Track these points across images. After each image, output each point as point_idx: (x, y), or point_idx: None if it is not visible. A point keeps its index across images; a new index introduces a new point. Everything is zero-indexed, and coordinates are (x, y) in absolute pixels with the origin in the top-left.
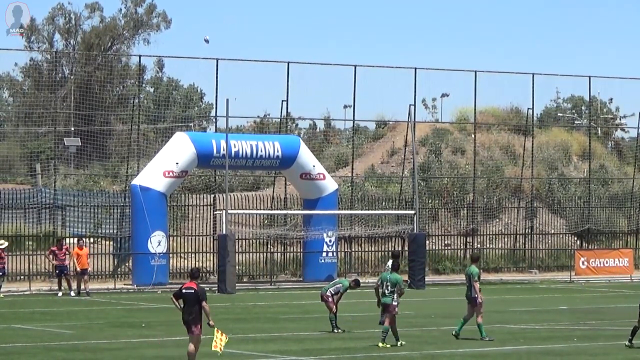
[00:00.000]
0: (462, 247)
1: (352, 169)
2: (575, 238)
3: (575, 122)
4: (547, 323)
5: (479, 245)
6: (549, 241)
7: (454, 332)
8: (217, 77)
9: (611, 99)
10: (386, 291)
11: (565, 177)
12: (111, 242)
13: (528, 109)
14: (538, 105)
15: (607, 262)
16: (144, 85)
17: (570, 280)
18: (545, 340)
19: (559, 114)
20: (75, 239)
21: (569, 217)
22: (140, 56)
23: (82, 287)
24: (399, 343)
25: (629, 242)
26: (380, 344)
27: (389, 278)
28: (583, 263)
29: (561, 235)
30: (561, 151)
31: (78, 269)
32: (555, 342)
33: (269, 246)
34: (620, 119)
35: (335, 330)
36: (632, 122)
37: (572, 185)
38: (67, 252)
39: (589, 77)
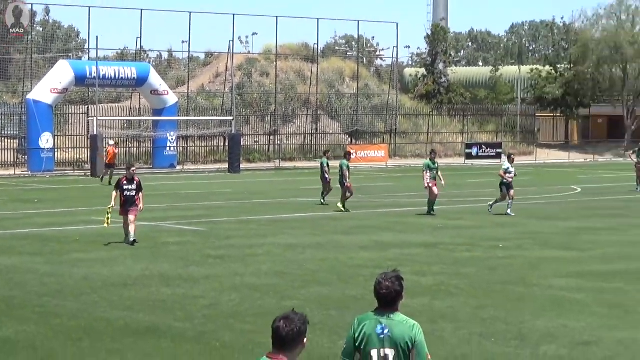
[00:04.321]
0: (267, 144)
1: (188, 87)
2: (348, 136)
3: (348, 53)
4: (330, 197)
5: (279, 142)
6: (329, 138)
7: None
8: (89, 20)
9: (373, 37)
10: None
11: (340, 93)
12: (15, 140)
13: (314, 44)
14: (321, 41)
15: (369, 154)
16: (35, 25)
17: None
18: (328, 209)
19: (336, 48)
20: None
21: (343, 121)
22: (32, 4)
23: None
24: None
25: (385, 139)
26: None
27: (340, 164)
28: (353, 154)
29: (337, 134)
30: (337, 74)
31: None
32: (333, 209)
33: (127, 143)
34: (379, 51)
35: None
36: (388, 53)
37: (345, 99)
38: None
39: (358, 21)
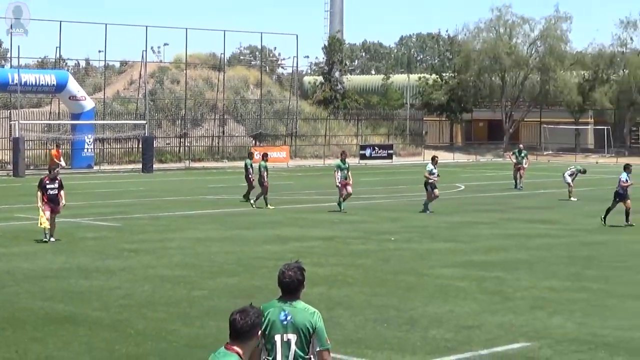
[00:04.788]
0: (177, 145)
1: (104, 93)
2: (252, 138)
3: (252, 62)
4: (237, 195)
5: (189, 144)
6: (235, 141)
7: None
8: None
9: (275, 47)
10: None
11: (245, 99)
12: None
13: (221, 54)
14: (228, 51)
15: (272, 155)
16: None
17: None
18: (234, 205)
19: (241, 57)
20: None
21: (247, 125)
22: None
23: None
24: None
25: (286, 141)
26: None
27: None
28: (256, 155)
29: (242, 137)
30: (242, 82)
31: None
32: (240, 206)
33: (47, 145)
34: (281, 61)
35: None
36: (289, 62)
37: (250, 104)
38: None
39: (261, 33)
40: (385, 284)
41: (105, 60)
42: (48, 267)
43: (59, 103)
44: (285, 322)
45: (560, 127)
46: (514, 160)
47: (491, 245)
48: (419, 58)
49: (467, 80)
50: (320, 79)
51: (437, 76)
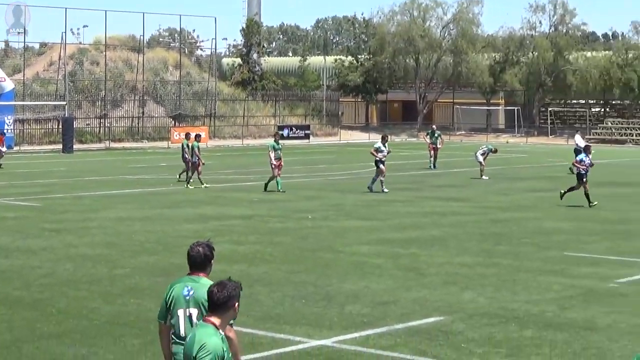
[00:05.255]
0: (97, 126)
1: (24, 74)
2: (171, 119)
3: (171, 44)
4: (157, 174)
5: (109, 125)
6: (154, 122)
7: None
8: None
9: (194, 30)
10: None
11: (164, 80)
12: None
13: (140, 35)
14: (147, 33)
15: (192, 135)
16: None
17: (168, 146)
18: (155, 185)
19: (160, 39)
20: None
21: (167, 106)
22: None
23: None
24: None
25: (205, 122)
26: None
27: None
28: (176, 135)
29: (162, 118)
30: (162, 63)
31: None
32: (161, 186)
33: None
34: (200, 43)
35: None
36: (207, 44)
37: (169, 85)
38: None
39: (180, 15)
40: (303, 261)
41: (24, 42)
42: None
43: None
44: (187, 297)
45: (473, 107)
46: (428, 141)
47: (406, 222)
48: (335, 40)
49: (382, 62)
50: (238, 60)
51: (353, 58)
